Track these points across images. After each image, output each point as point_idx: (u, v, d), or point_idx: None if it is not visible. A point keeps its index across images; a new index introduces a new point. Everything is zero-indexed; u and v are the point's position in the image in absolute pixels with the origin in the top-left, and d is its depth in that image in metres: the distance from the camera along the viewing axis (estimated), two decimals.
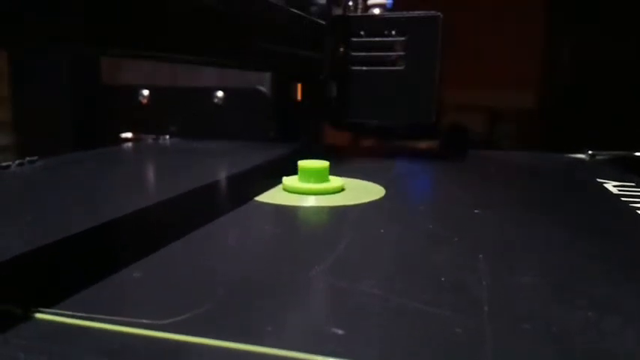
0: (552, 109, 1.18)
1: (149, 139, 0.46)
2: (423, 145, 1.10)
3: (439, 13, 0.36)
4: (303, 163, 0.25)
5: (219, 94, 0.49)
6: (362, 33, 0.38)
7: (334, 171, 0.26)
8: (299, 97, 0.39)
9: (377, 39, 0.37)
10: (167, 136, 0.46)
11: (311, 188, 0.25)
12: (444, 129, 1.26)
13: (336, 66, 0.37)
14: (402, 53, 0.37)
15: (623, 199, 0.24)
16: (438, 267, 0.16)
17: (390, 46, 0.37)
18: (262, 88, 0.47)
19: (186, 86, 0.50)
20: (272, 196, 0.24)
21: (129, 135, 0.47)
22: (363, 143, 1.12)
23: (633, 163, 0.36)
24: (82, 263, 0.16)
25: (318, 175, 0.25)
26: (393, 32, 0.37)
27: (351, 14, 0.39)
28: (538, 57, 1.20)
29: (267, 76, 0.47)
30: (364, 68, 0.37)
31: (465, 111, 1.26)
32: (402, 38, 0.37)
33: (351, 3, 0.39)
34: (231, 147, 0.44)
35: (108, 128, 0.52)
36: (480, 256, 0.16)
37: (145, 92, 0.51)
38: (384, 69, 0.37)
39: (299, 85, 0.38)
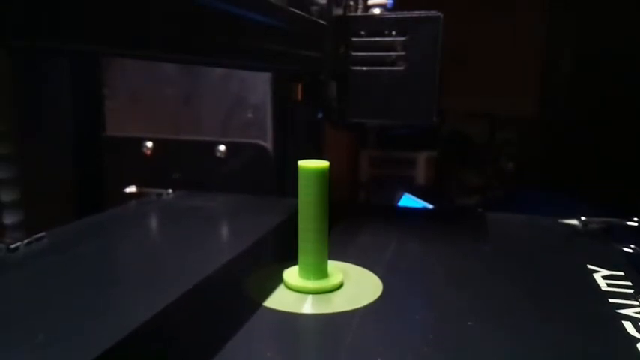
0: (553, 116, 1.18)
1: (153, 195, 0.46)
2: (423, 157, 1.09)
3: (439, 13, 0.36)
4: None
5: (222, 148, 0.50)
6: (362, 33, 0.38)
7: (333, 246, 0.27)
8: (299, 96, 0.39)
9: (377, 39, 0.37)
10: (170, 191, 0.47)
11: (311, 287, 0.25)
12: (444, 138, 1.26)
13: (336, 66, 0.37)
14: (402, 53, 0.37)
15: (610, 300, 0.25)
16: None
17: (390, 46, 0.37)
18: (264, 143, 0.48)
19: (189, 139, 0.52)
20: (275, 299, 0.25)
21: (133, 189, 0.47)
22: (364, 153, 1.11)
23: (624, 232, 0.36)
24: None
25: (317, 272, 0.26)
26: (393, 32, 0.37)
27: (352, 14, 0.39)
28: (539, 63, 1.20)
29: (269, 131, 0.49)
30: (364, 68, 0.37)
31: (465, 119, 1.26)
32: (402, 38, 0.37)
33: (351, 3, 0.39)
34: (232, 206, 0.45)
35: (112, 180, 0.54)
36: None
37: (149, 144, 0.52)
38: (384, 69, 0.37)
39: (299, 85, 0.38)
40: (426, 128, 1.08)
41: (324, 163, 0.25)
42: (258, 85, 0.49)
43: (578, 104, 1.13)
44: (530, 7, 1.15)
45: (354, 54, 0.38)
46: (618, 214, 0.38)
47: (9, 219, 0.50)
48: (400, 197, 0.79)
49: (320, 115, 0.40)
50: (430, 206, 0.73)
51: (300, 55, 0.32)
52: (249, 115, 0.49)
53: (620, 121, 1.04)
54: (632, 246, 0.33)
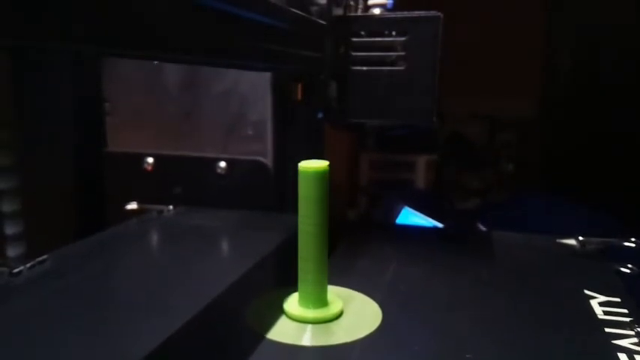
0: (552, 118, 1.18)
1: (154, 211, 0.46)
2: (423, 160, 1.08)
3: (439, 13, 0.36)
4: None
5: (222, 164, 0.50)
6: (362, 33, 0.38)
7: (332, 269, 0.27)
8: (299, 97, 0.39)
9: (377, 39, 0.37)
10: (170, 207, 0.47)
11: (310, 317, 0.26)
12: (444, 140, 1.26)
13: (336, 66, 0.37)
14: (402, 53, 0.37)
15: (607, 329, 0.25)
16: None
17: (390, 46, 0.37)
18: (264, 160, 0.49)
19: (190, 155, 0.52)
20: (276, 330, 0.25)
21: (134, 206, 0.47)
22: (364, 156, 1.11)
23: (622, 252, 0.36)
24: None
25: (317, 301, 0.26)
26: (393, 32, 0.37)
27: (352, 14, 0.39)
28: (538, 64, 1.20)
29: (269, 147, 0.49)
30: (364, 68, 0.37)
31: (465, 120, 1.26)
32: (402, 38, 0.37)
33: (351, 3, 0.39)
34: (233, 223, 0.45)
35: (113, 195, 0.54)
36: None
37: (150, 160, 0.52)
38: (384, 69, 0.37)
39: (299, 85, 0.38)
40: (425, 129, 1.07)
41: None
42: (259, 102, 0.49)
43: (577, 105, 1.13)
44: (530, 7, 1.15)
45: (354, 54, 0.38)
46: (617, 214, 0.38)
47: (9, 230, 0.50)
48: (400, 209, 0.77)
49: (320, 115, 0.40)
50: (431, 220, 0.72)
51: (300, 55, 0.32)
52: (250, 132, 0.50)
53: (619, 120, 1.04)
54: (629, 266, 0.33)
